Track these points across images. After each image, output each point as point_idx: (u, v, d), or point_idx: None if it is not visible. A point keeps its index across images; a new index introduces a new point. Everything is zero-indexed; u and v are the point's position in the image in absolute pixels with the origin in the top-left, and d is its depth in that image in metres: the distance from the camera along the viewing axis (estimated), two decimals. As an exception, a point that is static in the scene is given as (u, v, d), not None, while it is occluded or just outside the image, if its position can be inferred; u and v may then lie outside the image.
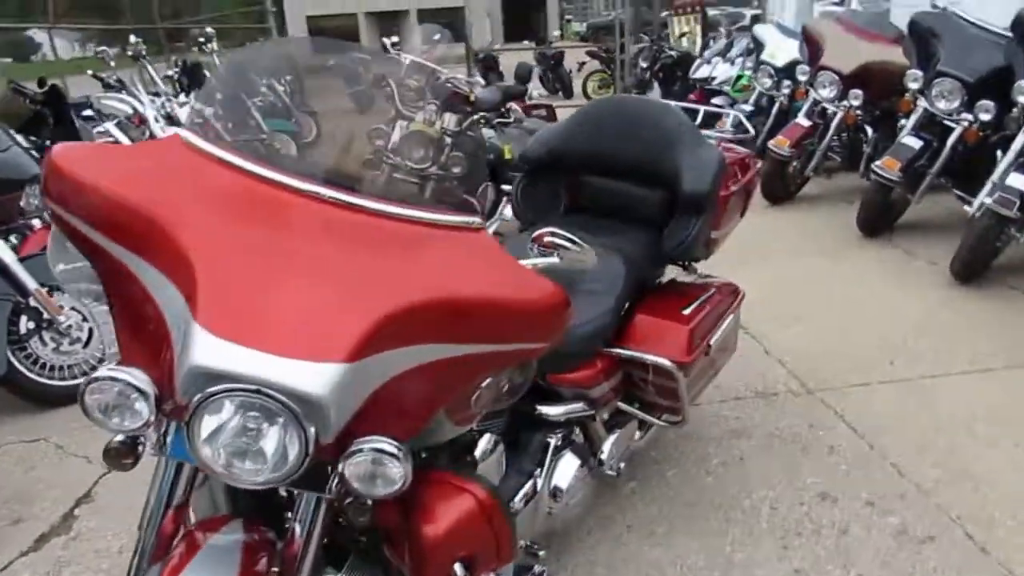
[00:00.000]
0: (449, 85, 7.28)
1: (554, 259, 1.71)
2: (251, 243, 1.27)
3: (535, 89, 9.17)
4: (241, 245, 1.26)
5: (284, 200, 1.33)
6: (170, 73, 7.02)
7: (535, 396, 2.10)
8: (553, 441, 2.09)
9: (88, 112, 6.09)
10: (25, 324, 3.36)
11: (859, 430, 2.87)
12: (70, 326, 3.46)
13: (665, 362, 2.22)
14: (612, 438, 2.24)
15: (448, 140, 4.35)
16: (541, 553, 1.98)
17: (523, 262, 1.70)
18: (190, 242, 1.23)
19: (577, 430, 2.20)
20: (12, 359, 3.30)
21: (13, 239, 3.59)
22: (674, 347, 2.24)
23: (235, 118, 1.66)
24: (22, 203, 3.48)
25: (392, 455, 1.22)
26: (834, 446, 2.78)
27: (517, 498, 1.98)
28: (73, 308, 3.47)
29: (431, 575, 1.45)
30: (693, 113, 3.14)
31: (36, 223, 3.62)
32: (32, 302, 3.33)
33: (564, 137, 2.55)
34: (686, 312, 2.31)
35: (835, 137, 5.84)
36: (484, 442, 1.80)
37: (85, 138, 4.89)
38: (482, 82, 8.71)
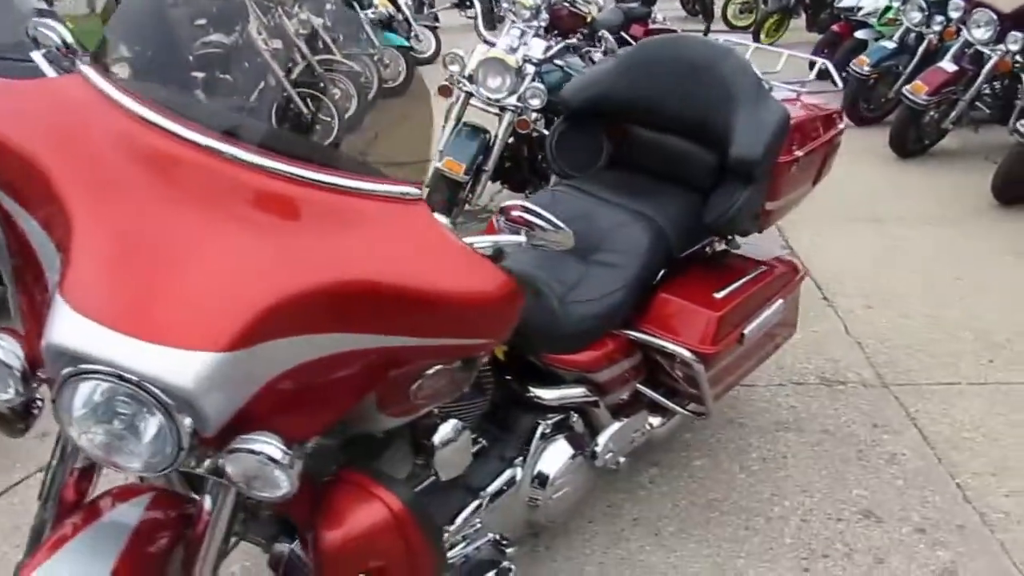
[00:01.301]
0: (564, 4, 6.89)
1: (520, 237, 1.48)
2: (139, 208, 1.11)
3: (662, 12, 8.53)
4: (127, 209, 1.10)
5: (186, 157, 1.15)
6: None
7: (529, 376, 1.91)
8: (542, 426, 1.89)
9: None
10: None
11: (930, 439, 2.50)
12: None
13: (684, 352, 1.96)
14: (610, 430, 2.01)
15: (531, 69, 4.08)
16: (509, 550, 1.81)
17: (484, 238, 1.49)
18: (71, 202, 1.09)
19: (576, 416, 1.99)
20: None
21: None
22: (696, 336, 1.97)
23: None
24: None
25: (274, 460, 1.08)
26: (895, 455, 2.43)
27: (491, 486, 1.82)
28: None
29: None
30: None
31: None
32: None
33: (609, 81, 2.24)
34: (719, 295, 2.02)
35: (985, 85, 5.10)
36: (447, 428, 1.61)
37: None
38: (600, 2, 8.19)
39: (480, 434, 1.87)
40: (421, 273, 1.16)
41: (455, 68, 3.96)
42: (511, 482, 1.84)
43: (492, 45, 4.07)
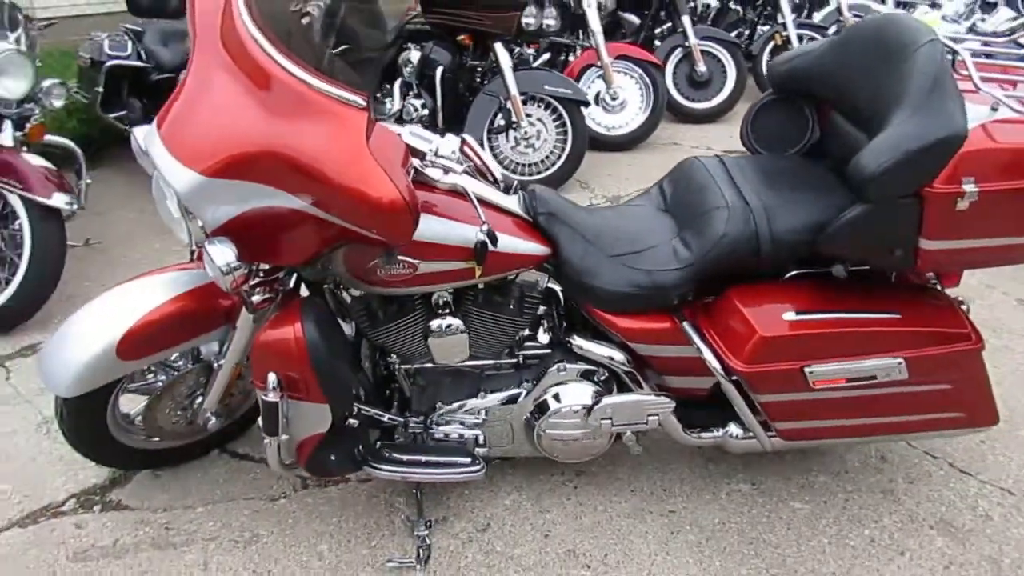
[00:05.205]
0: None
1: (457, 167, 1.65)
2: (215, 68, 1.60)
3: None
4: (210, 68, 1.60)
5: (248, 46, 1.59)
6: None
7: (583, 324, 2.00)
8: (558, 365, 1.98)
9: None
10: (497, 121, 4.21)
11: None
12: (528, 133, 4.19)
13: (711, 357, 1.82)
14: (617, 398, 1.96)
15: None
16: (481, 450, 2.01)
17: (441, 160, 1.70)
18: (193, 53, 1.63)
19: (606, 374, 1.99)
20: (485, 144, 4.22)
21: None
22: (732, 347, 1.79)
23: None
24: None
25: (213, 261, 1.55)
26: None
27: (496, 393, 2.02)
28: (535, 118, 4.20)
29: (253, 366, 1.76)
30: None
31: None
32: (508, 104, 4.12)
33: (817, 55, 1.99)
34: (789, 317, 1.77)
35: None
36: (439, 321, 1.88)
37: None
38: None
39: (519, 352, 2.05)
40: (329, 163, 1.49)
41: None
42: (514, 399, 2.01)
43: (938, 7, 3.47)
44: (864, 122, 1.82)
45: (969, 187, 1.61)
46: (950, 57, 1.75)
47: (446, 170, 1.73)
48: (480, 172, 1.80)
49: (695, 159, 2.06)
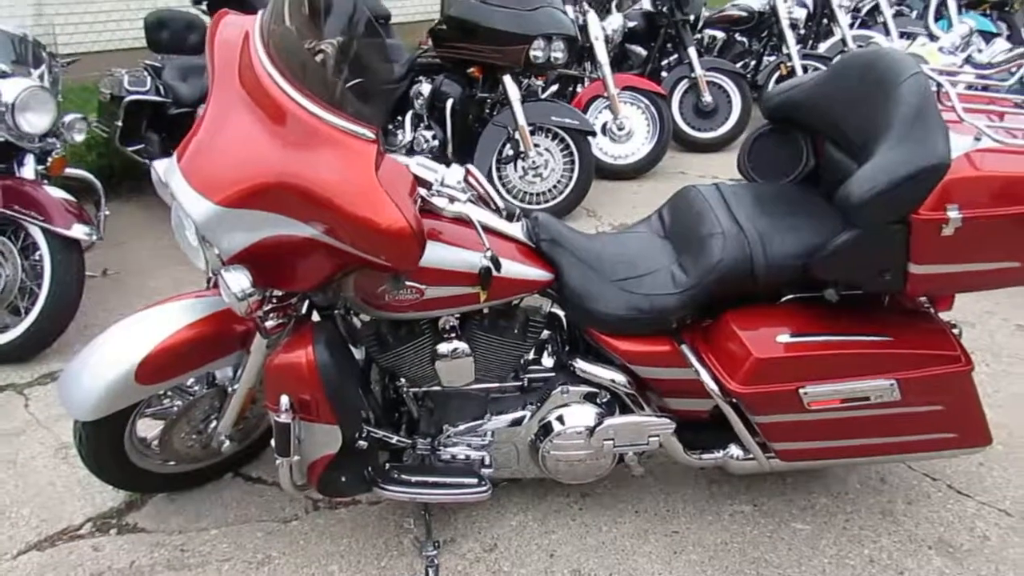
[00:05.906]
0: None
1: (461, 195, 1.72)
2: (231, 103, 1.68)
3: None
4: (226, 103, 1.68)
5: (263, 80, 1.68)
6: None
7: (585, 347, 2.06)
8: (561, 387, 2.03)
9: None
10: (505, 151, 4.30)
11: None
12: (536, 162, 4.28)
13: (708, 379, 1.87)
14: (620, 419, 2.01)
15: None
16: (486, 471, 2.06)
17: (446, 188, 1.76)
18: (211, 91, 1.71)
19: (607, 395, 2.04)
20: (494, 174, 4.31)
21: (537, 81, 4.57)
22: (729, 369, 1.85)
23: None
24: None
25: (228, 288, 1.63)
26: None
27: (502, 415, 2.08)
28: (542, 148, 4.29)
29: (267, 389, 1.83)
30: None
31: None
32: (516, 134, 4.22)
33: (809, 87, 2.06)
34: (783, 340, 1.83)
35: None
36: (446, 346, 1.94)
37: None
38: None
39: (524, 375, 2.11)
40: (340, 193, 1.56)
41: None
42: (519, 421, 2.06)
43: (935, 39, 3.55)
44: (854, 151, 1.89)
45: (953, 214, 1.67)
46: (935, 89, 1.81)
47: (451, 199, 1.80)
48: (484, 200, 1.88)
49: (693, 187, 2.13)
